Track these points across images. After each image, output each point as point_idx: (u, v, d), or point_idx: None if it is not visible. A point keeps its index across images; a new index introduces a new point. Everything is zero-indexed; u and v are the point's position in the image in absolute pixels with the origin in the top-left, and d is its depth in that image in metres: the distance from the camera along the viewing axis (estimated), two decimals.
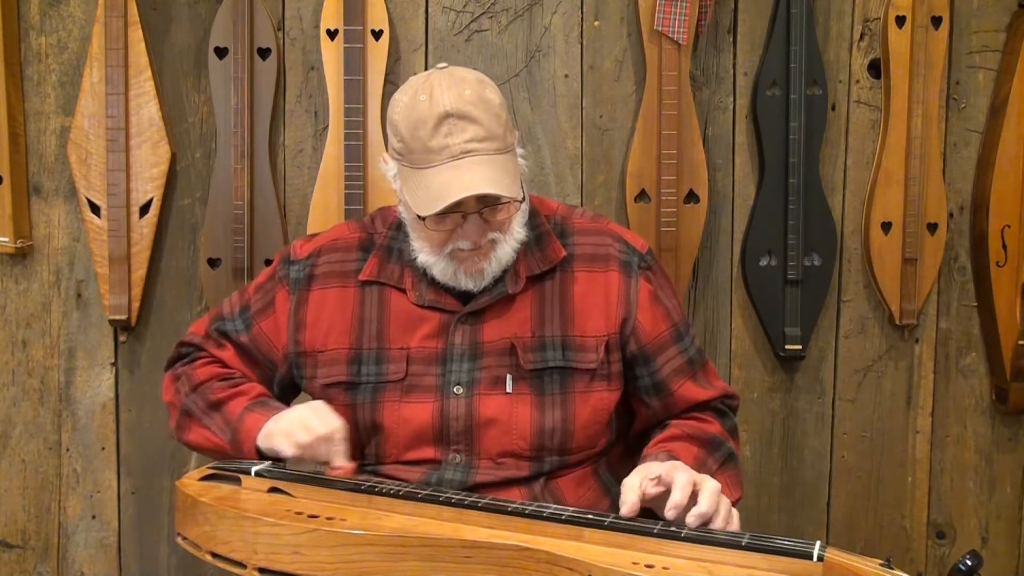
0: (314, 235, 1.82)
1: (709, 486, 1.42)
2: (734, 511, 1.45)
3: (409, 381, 1.67)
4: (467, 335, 1.67)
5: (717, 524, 1.40)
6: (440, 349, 1.67)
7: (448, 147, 1.55)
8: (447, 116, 1.55)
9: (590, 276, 1.70)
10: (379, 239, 1.75)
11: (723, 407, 1.77)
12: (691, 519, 1.38)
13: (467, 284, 1.65)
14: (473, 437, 1.65)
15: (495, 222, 1.61)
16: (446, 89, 1.56)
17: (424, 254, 1.66)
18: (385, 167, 1.67)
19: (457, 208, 1.57)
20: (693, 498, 1.41)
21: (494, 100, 1.59)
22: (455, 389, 1.65)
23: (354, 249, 1.76)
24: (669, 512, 1.39)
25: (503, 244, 1.64)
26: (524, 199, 1.65)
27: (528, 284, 1.68)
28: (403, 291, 1.70)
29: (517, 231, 1.65)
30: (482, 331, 1.67)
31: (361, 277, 1.72)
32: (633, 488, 1.43)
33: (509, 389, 1.65)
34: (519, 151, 1.66)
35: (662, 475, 1.43)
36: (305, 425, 1.60)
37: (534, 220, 1.72)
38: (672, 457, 1.56)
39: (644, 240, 1.78)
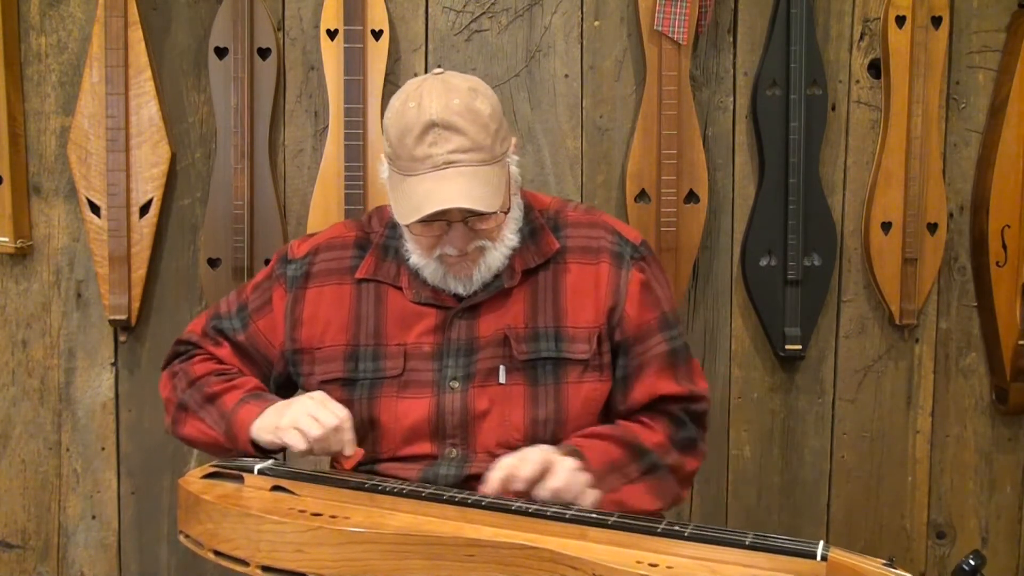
0: (312, 234, 1.83)
1: (563, 465, 1.50)
2: (588, 492, 1.52)
3: (406, 377, 1.68)
4: (463, 330, 1.68)
5: (566, 498, 1.48)
6: (437, 345, 1.68)
7: (431, 156, 1.56)
8: (432, 125, 1.55)
9: (582, 268, 1.71)
10: (376, 238, 1.76)
11: (682, 415, 1.72)
12: (542, 492, 1.47)
13: (456, 288, 1.67)
14: (469, 431, 1.66)
15: (482, 231, 1.62)
16: (435, 98, 1.57)
17: (415, 256, 1.67)
18: (381, 168, 1.68)
19: (440, 217, 1.58)
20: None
21: (483, 110, 1.58)
22: (451, 384, 1.66)
23: (351, 247, 1.77)
24: (518, 484, 1.49)
25: (493, 251, 1.65)
26: (509, 210, 1.65)
27: (523, 277, 1.69)
28: (400, 289, 1.71)
29: (508, 238, 1.66)
30: (478, 326, 1.68)
31: (358, 275, 1.73)
32: (501, 468, 1.50)
33: (503, 380, 1.66)
34: (514, 158, 1.67)
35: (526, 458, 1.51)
36: (314, 417, 1.60)
37: (528, 215, 1.73)
38: (574, 450, 1.58)
39: (639, 233, 1.78)
